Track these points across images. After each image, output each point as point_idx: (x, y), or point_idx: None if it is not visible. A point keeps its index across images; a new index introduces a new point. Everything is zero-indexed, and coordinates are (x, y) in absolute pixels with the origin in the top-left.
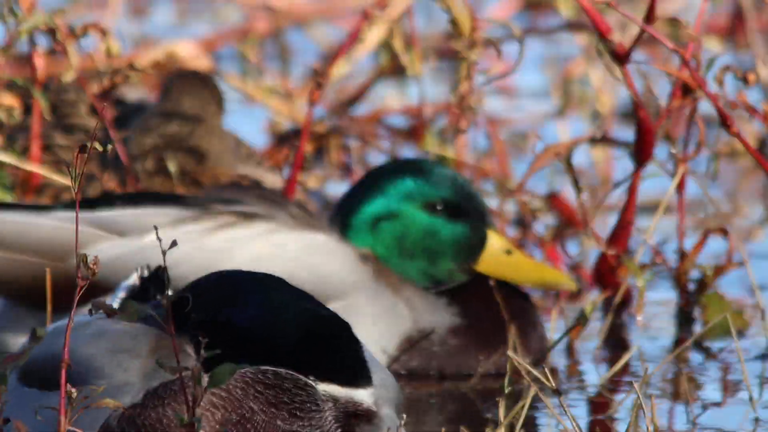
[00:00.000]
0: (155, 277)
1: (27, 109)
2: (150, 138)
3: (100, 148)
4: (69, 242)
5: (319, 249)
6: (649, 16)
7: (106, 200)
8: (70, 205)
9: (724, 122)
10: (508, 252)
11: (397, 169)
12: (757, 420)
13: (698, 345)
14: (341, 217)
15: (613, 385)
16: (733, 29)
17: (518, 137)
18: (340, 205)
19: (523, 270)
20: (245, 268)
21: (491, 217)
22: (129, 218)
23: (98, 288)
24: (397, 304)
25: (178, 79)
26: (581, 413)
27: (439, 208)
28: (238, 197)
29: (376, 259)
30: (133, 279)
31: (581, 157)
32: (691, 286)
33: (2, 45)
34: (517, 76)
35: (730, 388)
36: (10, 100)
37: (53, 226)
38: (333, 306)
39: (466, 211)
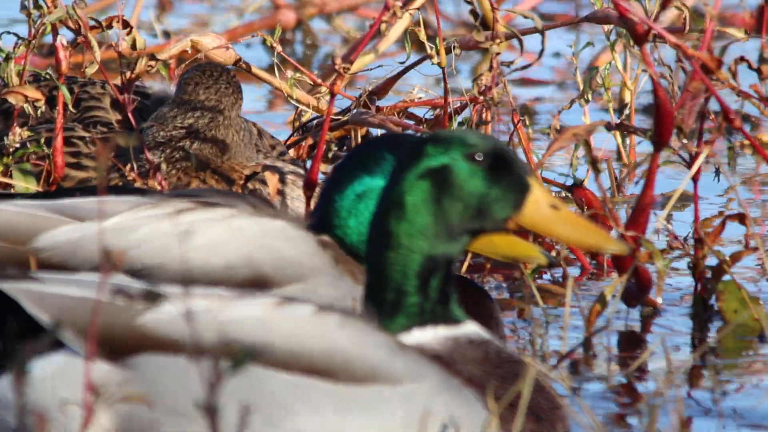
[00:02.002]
0: None
1: (51, 101)
2: (166, 131)
3: (123, 142)
4: (29, 227)
5: (278, 234)
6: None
7: (66, 193)
8: (31, 195)
9: (727, 116)
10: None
11: (378, 145)
12: None
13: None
14: (325, 203)
15: (634, 376)
16: (760, 23)
17: (543, 128)
18: (322, 193)
19: (495, 243)
20: (203, 251)
21: None
22: (89, 205)
23: (55, 270)
24: (356, 289)
25: (194, 71)
26: (602, 405)
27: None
28: (197, 192)
29: (335, 245)
30: None
31: (604, 145)
32: (709, 274)
33: (27, 38)
34: (542, 67)
35: (753, 380)
36: (34, 92)
37: (14, 211)
38: (292, 289)
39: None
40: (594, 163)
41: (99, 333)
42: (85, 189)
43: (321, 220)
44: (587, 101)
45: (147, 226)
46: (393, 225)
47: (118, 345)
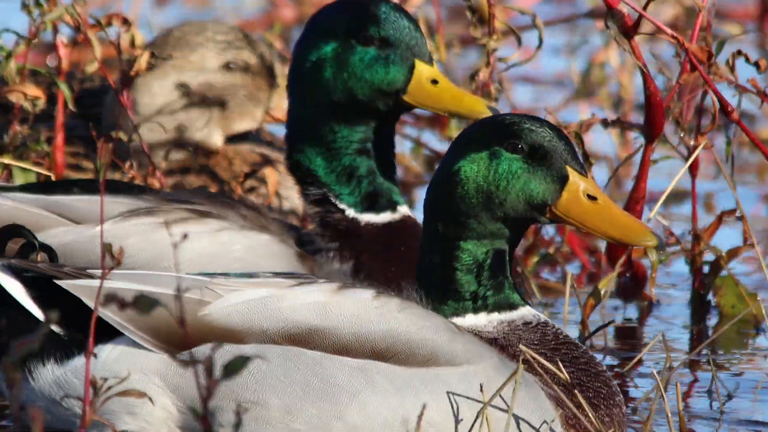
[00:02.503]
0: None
1: (51, 99)
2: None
3: (124, 138)
4: (24, 223)
5: (262, 249)
6: None
7: (63, 186)
8: (27, 188)
9: (724, 109)
10: (434, 81)
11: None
12: None
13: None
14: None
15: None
16: (762, 16)
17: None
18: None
19: (444, 98)
20: (188, 265)
21: (421, 48)
22: (84, 205)
23: None
24: None
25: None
26: None
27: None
28: (191, 197)
29: (313, 259)
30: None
31: (604, 145)
32: (706, 269)
33: (27, 36)
34: (540, 64)
35: (750, 376)
36: (34, 90)
37: (11, 206)
38: None
39: (395, 43)
40: (586, 156)
41: (162, 325)
42: (83, 183)
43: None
44: (584, 97)
45: (138, 236)
46: (445, 210)
47: (180, 336)
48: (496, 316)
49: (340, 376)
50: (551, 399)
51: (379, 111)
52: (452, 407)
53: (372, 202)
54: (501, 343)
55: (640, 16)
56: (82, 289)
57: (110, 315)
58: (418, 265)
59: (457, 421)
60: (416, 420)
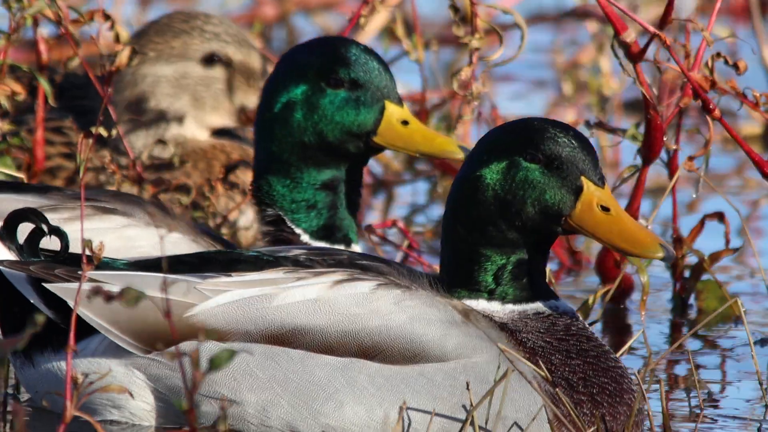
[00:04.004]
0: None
1: (34, 92)
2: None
3: (105, 134)
4: None
5: (169, 247)
6: (664, 19)
7: None
8: None
9: (706, 107)
10: (405, 122)
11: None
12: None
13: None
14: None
15: None
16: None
17: None
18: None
19: (415, 139)
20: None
21: (390, 89)
22: (2, 205)
23: None
24: None
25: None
26: None
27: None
28: (97, 195)
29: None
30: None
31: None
32: (687, 273)
33: (7, 31)
34: (523, 64)
35: (731, 373)
36: (14, 86)
37: None
38: None
39: (365, 85)
40: None
41: (146, 328)
42: (9, 185)
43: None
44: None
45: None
46: (464, 214)
47: (163, 338)
48: (509, 306)
49: (321, 375)
50: (546, 397)
51: (349, 153)
52: (431, 405)
53: (328, 233)
54: (510, 328)
55: (646, 45)
56: (70, 292)
57: (93, 318)
58: (442, 253)
59: (437, 421)
60: (395, 420)
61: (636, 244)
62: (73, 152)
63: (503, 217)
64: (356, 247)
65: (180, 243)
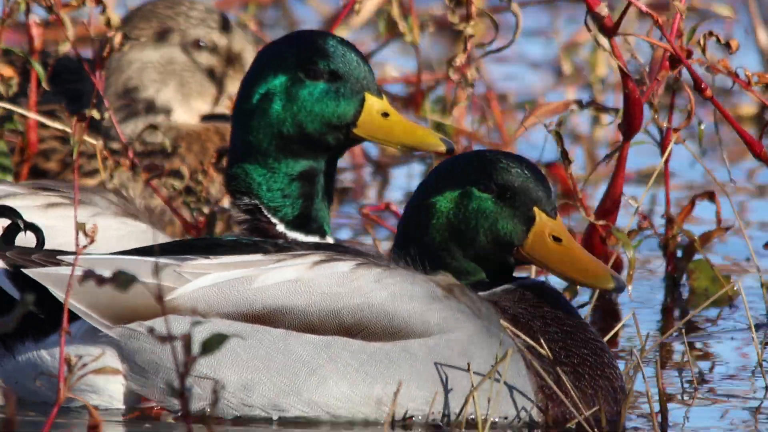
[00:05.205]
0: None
1: (26, 76)
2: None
3: (98, 116)
4: None
5: (139, 236)
6: None
7: None
8: None
9: (698, 86)
10: (385, 114)
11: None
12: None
13: (685, 312)
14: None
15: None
16: None
17: (520, 106)
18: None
19: (395, 131)
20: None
21: (370, 81)
22: None
23: None
24: None
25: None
26: None
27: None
28: (57, 185)
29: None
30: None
31: (583, 124)
32: (679, 253)
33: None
34: (521, 46)
35: (725, 355)
36: (7, 71)
37: None
38: None
39: (345, 76)
40: (564, 155)
41: (128, 309)
42: None
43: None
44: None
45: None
46: (417, 240)
47: (149, 318)
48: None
49: (303, 353)
50: (530, 369)
51: (328, 144)
52: (417, 382)
53: (302, 224)
54: (490, 299)
55: (620, 18)
56: (49, 277)
57: (73, 302)
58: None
59: (419, 396)
60: (377, 396)
61: (587, 275)
62: (66, 136)
63: (458, 246)
64: (329, 239)
65: (147, 231)
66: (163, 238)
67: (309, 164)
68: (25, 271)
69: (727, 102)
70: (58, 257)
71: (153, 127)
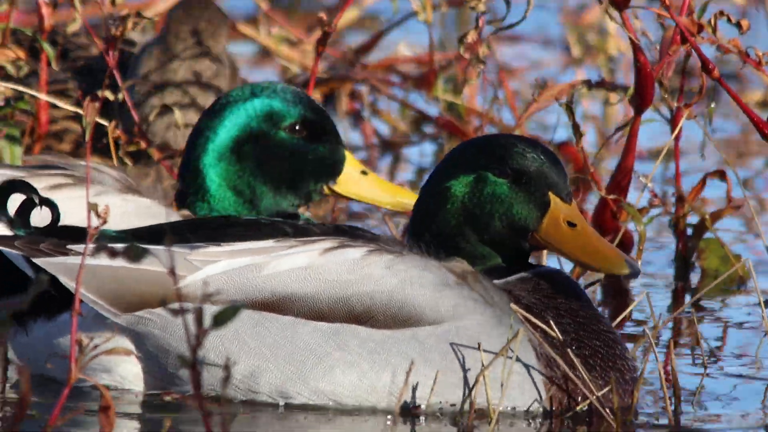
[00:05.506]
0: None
1: (36, 55)
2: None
3: (111, 97)
4: None
5: (143, 211)
6: None
7: None
8: None
9: (705, 66)
10: (364, 173)
11: (246, 93)
12: None
13: (695, 291)
14: (196, 150)
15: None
16: None
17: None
18: (191, 140)
19: (377, 190)
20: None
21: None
22: None
23: None
24: None
25: (178, 8)
26: None
27: (298, 128)
28: (59, 164)
29: (195, 217)
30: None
31: (594, 106)
32: (690, 231)
33: None
34: (531, 25)
35: (736, 335)
36: (17, 51)
37: None
38: None
39: (324, 131)
40: (576, 128)
41: (135, 297)
42: None
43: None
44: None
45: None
46: (432, 225)
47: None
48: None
49: (311, 340)
50: (541, 358)
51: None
52: (425, 370)
53: None
54: (504, 288)
55: None
56: (59, 266)
57: (84, 292)
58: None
59: (428, 384)
60: (385, 384)
61: (602, 260)
62: (78, 115)
63: (473, 231)
64: None
65: (152, 207)
66: (167, 213)
67: (287, 205)
68: (36, 260)
69: (738, 89)
70: (68, 247)
71: (167, 107)
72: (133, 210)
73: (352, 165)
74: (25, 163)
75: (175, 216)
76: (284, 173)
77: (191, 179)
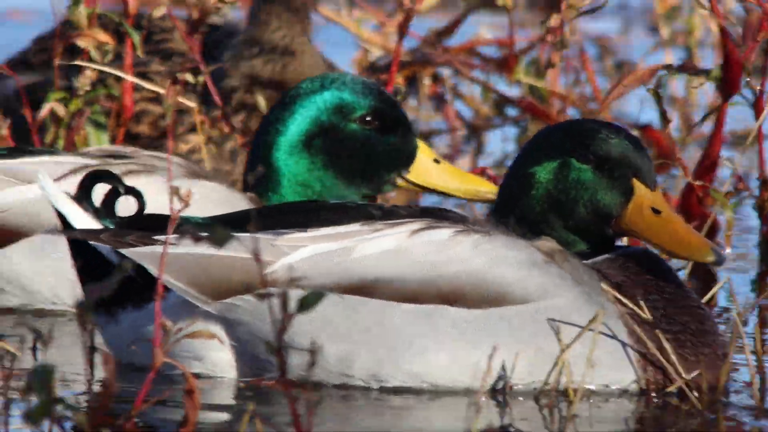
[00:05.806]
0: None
1: (120, 39)
2: (239, 71)
3: (192, 80)
4: None
5: (213, 195)
6: None
7: (9, 152)
8: None
9: None
10: (436, 161)
11: (316, 85)
12: None
13: None
14: (266, 143)
15: None
16: None
17: (618, 68)
18: (261, 132)
19: (450, 178)
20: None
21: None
22: (30, 167)
23: (5, 230)
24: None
25: (264, 4)
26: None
27: (369, 119)
28: (120, 153)
29: (260, 201)
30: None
31: (679, 87)
32: None
33: None
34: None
35: None
36: (103, 36)
37: None
38: None
39: (396, 121)
40: (663, 115)
41: (223, 284)
42: (34, 150)
43: None
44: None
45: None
46: (516, 209)
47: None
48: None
49: (401, 323)
50: (631, 336)
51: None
52: (516, 349)
53: None
54: (593, 266)
55: None
56: (146, 256)
57: (173, 281)
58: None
59: (520, 364)
60: (477, 364)
61: (687, 248)
62: (158, 96)
63: (557, 217)
64: None
65: (220, 190)
66: (237, 194)
67: (357, 195)
68: (123, 251)
69: None
70: (153, 237)
71: (250, 91)
72: (202, 197)
73: (424, 153)
74: (89, 153)
75: (241, 199)
76: (356, 165)
77: (262, 171)
